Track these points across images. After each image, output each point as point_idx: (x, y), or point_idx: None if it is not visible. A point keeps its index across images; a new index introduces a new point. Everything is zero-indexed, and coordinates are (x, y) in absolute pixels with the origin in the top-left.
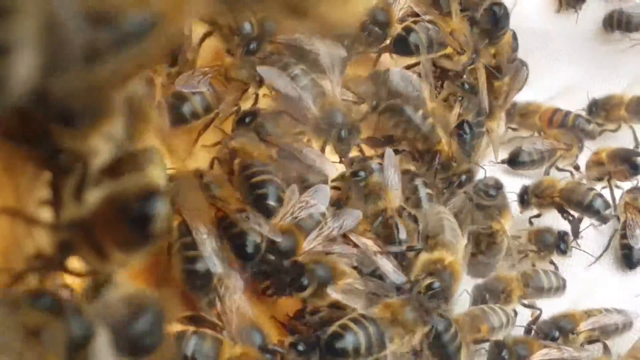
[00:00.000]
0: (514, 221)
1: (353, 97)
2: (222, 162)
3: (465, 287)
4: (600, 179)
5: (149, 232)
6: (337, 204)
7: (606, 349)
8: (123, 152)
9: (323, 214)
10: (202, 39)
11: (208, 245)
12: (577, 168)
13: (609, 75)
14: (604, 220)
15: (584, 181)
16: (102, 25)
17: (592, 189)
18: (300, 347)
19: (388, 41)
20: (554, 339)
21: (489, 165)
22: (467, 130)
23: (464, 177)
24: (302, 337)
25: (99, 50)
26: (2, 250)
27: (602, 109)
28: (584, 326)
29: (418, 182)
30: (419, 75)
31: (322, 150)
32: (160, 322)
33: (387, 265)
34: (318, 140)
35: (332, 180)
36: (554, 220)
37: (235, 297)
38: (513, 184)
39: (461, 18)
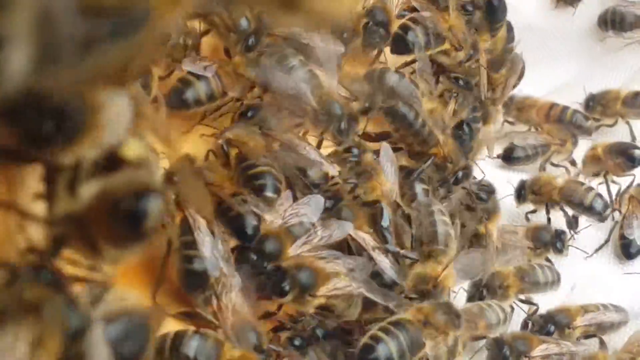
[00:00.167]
0: (511, 216)
1: (346, 94)
2: (217, 154)
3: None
4: (597, 174)
5: (141, 229)
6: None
7: (602, 344)
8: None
9: (313, 224)
10: (201, 35)
11: (208, 246)
12: (573, 163)
13: (605, 71)
14: (603, 219)
15: (581, 176)
16: (95, 18)
17: (591, 189)
18: (297, 342)
19: None
20: (549, 334)
21: (485, 160)
22: (467, 130)
23: (460, 173)
24: (298, 331)
25: (91, 43)
26: None
27: (599, 104)
28: (580, 321)
29: (414, 177)
30: (414, 72)
31: (320, 141)
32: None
33: (384, 262)
34: (316, 131)
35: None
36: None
37: (232, 295)
38: (510, 178)
39: (457, 14)
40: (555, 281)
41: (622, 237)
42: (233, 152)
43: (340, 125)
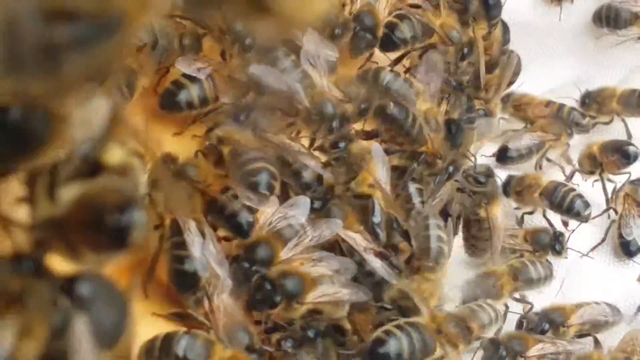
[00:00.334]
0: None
1: (341, 96)
2: (207, 154)
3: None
4: (592, 173)
5: (125, 242)
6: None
7: (597, 343)
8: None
9: (302, 225)
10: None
11: (198, 247)
12: (569, 161)
13: (601, 69)
14: (584, 220)
15: (577, 174)
16: (68, 24)
17: (572, 190)
18: (288, 344)
19: None
20: (543, 332)
21: (481, 158)
22: (453, 129)
23: (451, 168)
24: (289, 333)
25: (58, 49)
26: None
27: (595, 102)
28: (574, 320)
29: (407, 177)
30: (407, 70)
31: (312, 140)
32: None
33: (376, 262)
34: (308, 131)
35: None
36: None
37: (224, 297)
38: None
39: (449, 12)
40: (549, 275)
41: (621, 236)
42: (226, 149)
43: (332, 125)
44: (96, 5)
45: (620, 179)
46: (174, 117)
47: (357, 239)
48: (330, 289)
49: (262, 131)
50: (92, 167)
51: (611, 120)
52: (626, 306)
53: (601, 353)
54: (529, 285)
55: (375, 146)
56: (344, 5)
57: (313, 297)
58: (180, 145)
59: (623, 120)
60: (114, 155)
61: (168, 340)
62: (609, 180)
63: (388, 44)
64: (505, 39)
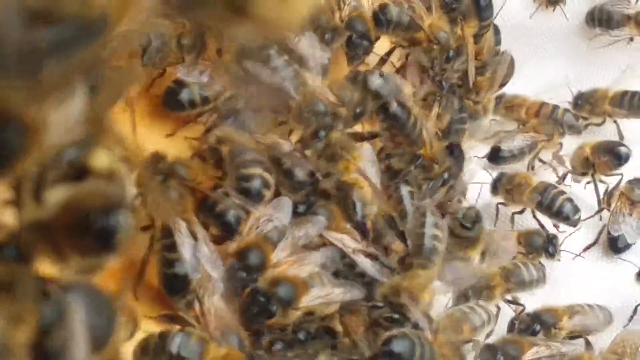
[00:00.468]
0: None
1: (335, 100)
2: (206, 154)
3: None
4: (584, 174)
5: (111, 245)
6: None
7: (588, 344)
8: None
9: (286, 226)
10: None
11: (189, 249)
12: (561, 162)
13: (593, 70)
14: (573, 224)
15: (569, 176)
16: (44, 27)
17: (562, 192)
18: (278, 346)
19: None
20: (535, 333)
21: (473, 159)
22: (456, 153)
23: (446, 174)
24: (279, 335)
25: (39, 53)
26: None
27: (587, 103)
28: (566, 322)
29: (400, 179)
30: (398, 70)
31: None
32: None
33: (365, 262)
34: (300, 129)
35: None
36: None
37: (214, 299)
38: None
39: (440, 14)
40: (541, 277)
41: (609, 234)
42: (225, 149)
43: (325, 122)
44: (78, 8)
45: (612, 180)
46: (170, 117)
47: (345, 241)
48: (322, 291)
49: (252, 132)
50: (79, 172)
51: (603, 122)
52: (617, 307)
53: (592, 354)
54: (521, 287)
55: (365, 146)
56: (332, 12)
57: (307, 301)
58: (172, 146)
59: (615, 122)
60: (101, 159)
61: (163, 338)
62: (601, 181)
63: (379, 22)
64: (497, 40)
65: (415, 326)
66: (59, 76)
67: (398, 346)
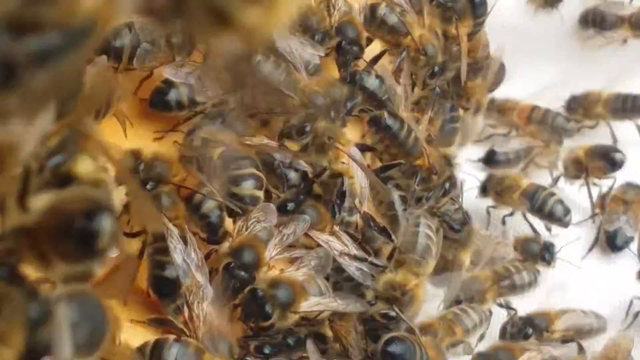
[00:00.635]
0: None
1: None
2: (191, 157)
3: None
4: (577, 177)
5: (94, 248)
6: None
7: (581, 349)
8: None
9: (274, 226)
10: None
11: (180, 253)
12: (554, 166)
13: (586, 73)
14: (565, 225)
15: (562, 180)
16: (35, 35)
17: (552, 194)
18: (267, 350)
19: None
20: (527, 336)
21: (467, 163)
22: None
23: (447, 184)
24: (267, 339)
25: (20, 64)
26: None
27: (581, 106)
28: (558, 326)
29: (390, 185)
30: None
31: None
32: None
33: (351, 267)
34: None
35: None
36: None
37: (204, 305)
38: None
39: (432, 18)
40: (533, 281)
41: (606, 232)
42: (216, 153)
43: (331, 115)
44: (60, 17)
45: (605, 183)
46: (158, 120)
47: (332, 243)
48: (324, 299)
49: (239, 135)
50: (63, 178)
51: (596, 125)
52: (611, 312)
53: (585, 359)
54: (513, 291)
55: (353, 149)
56: (323, 15)
57: (308, 306)
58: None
59: (609, 125)
60: (85, 166)
61: (158, 346)
62: (594, 184)
63: (371, 19)
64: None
65: (409, 330)
66: (42, 86)
67: (399, 348)
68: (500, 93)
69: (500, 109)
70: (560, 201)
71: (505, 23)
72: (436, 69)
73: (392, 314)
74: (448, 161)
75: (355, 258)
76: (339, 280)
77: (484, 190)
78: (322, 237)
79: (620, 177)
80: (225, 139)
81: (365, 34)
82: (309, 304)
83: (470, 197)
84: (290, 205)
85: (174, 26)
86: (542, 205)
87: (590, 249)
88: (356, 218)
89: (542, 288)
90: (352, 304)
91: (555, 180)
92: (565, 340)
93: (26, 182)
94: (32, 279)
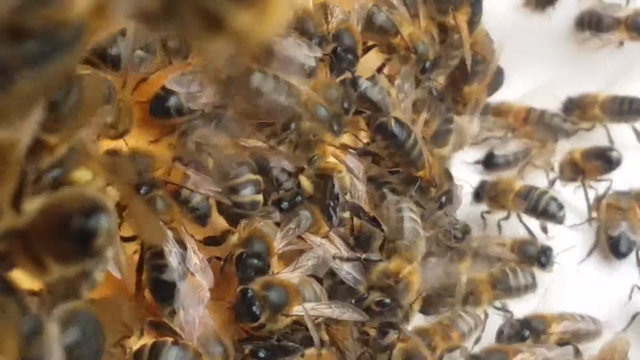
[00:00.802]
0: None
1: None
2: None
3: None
4: (573, 179)
5: (90, 248)
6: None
7: (577, 352)
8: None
9: (277, 223)
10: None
11: (175, 257)
12: (550, 167)
13: (582, 75)
14: (559, 221)
15: (558, 182)
16: (20, 41)
17: (545, 192)
18: (261, 354)
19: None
20: (524, 339)
21: (463, 165)
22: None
23: (443, 198)
24: (262, 343)
25: (9, 69)
26: None
27: (577, 108)
28: (555, 329)
29: (386, 189)
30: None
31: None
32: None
33: (343, 271)
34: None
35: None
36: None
37: (199, 309)
38: None
39: (428, 20)
40: (530, 285)
41: (610, 237)
42: (210, 161)
43: (333, 127)
44: (50, 22)
45: (601, 186)
46: (154, 124)
47: (325, 246)
48: (320, 306)
49: (235, 137)
50: (59, 186)
51: (593, 127)
52: (608, 316)
53: None
54: (509, 294)
55: (348, 157)
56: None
57: (300, 310)
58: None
59: (605, 127)
60: (82, 175)
61: (157, 349)
62: (590, 186)
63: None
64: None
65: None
66: (30, 91)
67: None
68: (496, 96)
69: (496, 112)
70: (554, 198)
71: (502, 25)
72: (427, 64)
73: (387, 301)
74: (449, 174)
75: (348, 259)
76: (332, 283)
77: (477, 196)
78: (315, 240)
79: (617, 180)
80: (220, 143)
81: (361, 44)
82: (302, 309)
83: (465, 203)
84: (285, 204)
85: (166, 30)
86: (536, 203)
87: (589, 253)
88: (347, 214)
89: (539, 291)
90: (348, 313)
91: (552, 183)
92: (562, 344)
93: (21, 184)
94: (23, 290)
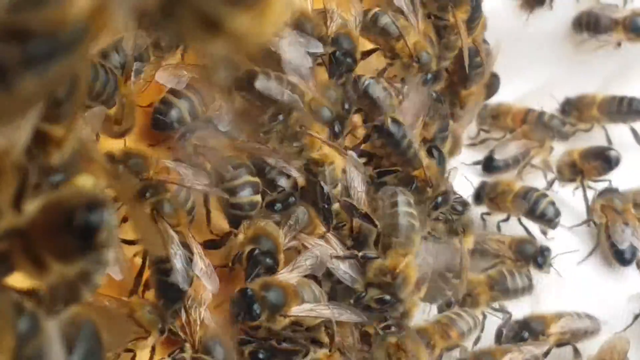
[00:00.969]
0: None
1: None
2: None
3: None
4: (572, 180)
5: (92, 243)
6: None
7: (576, 351)
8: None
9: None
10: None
11: (180, 259)
12: (548, 167)
13: (580, 76)
14: (554, 227)
15: (556, 182)
16: (23, 42)
17: (544, 195)
18: (261, 355)
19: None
20: (523, 340)
21: (463, 166)
22: (436, 155)
23: (439, 199)
24: (261, 344)
25: (9, 70)
26: None
27: (575, 109)
28: (554, 329)
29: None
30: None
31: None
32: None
33: (340, 271)
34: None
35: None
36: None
37: (201, 309)
38: None
39: (427, 25)
40: (527, 287)
41: (613, 245)
42: (208, 165)
43: (335, 129)
44: (51, 23)
45: (599, 186)
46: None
47: (321, 247)
48: (319, 308)
49: (234, 139)
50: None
51: (591, 127)
52: (607, 316)
53: None
54: (506, 295)
55: (349, 153)
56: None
57: (299, 311)
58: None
59: (603, 127)
60: (84, 180)
61: None
62: (589, 187)
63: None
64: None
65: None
66: (32, 92)
67: None
68: (494, 97)
69: (494, 114)
70: (552, 202)
71: (500, 26)
72: (429, 76)
73: (387, 297)
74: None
75: (345, 258)
76: (329, 283)
77: (478, 197)
78: (311, 241)
79: (616, 180)
80: (217, 145)
81: (360, 49)
82: (300, 309)
83: None
84: (278, 206)
85: (164, 32)
86: (534, 205)
87: (589, 255)
88: (337, 206)
89: (537, 291)
90: (346, 314)
91: (550, 184)
92: (561, 344)
93: (23, 185)
94: (19, 290)
